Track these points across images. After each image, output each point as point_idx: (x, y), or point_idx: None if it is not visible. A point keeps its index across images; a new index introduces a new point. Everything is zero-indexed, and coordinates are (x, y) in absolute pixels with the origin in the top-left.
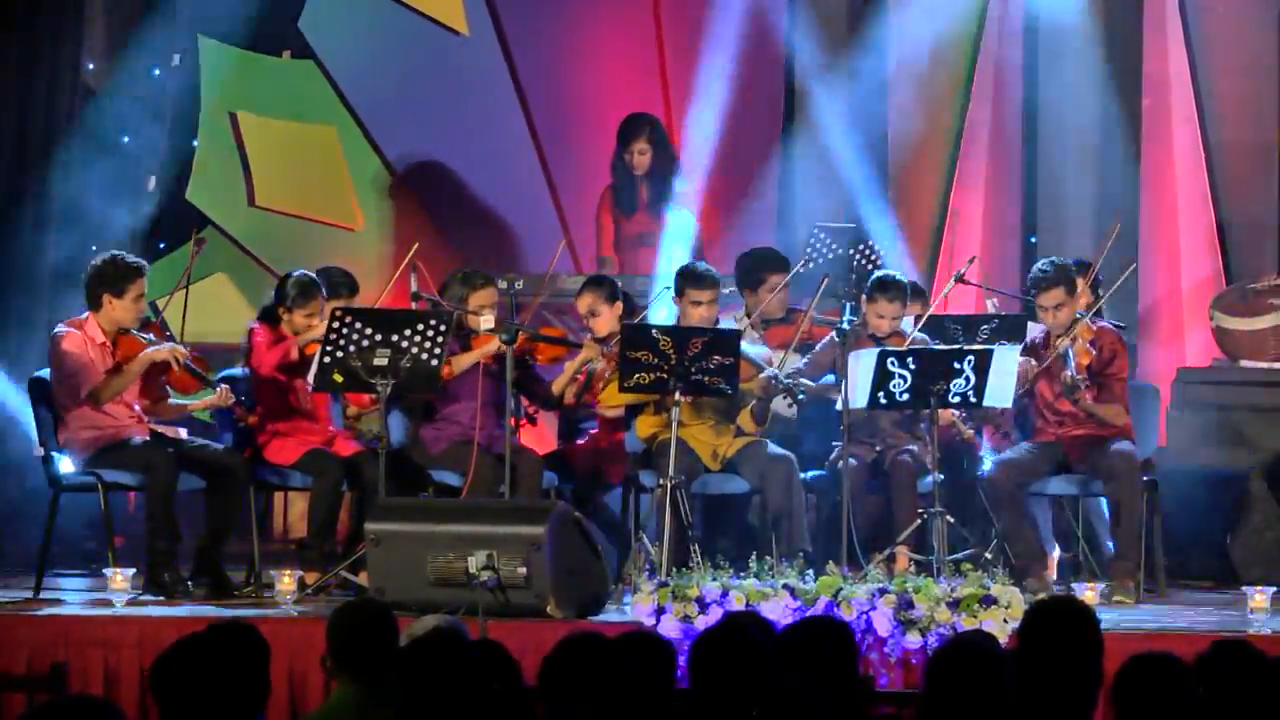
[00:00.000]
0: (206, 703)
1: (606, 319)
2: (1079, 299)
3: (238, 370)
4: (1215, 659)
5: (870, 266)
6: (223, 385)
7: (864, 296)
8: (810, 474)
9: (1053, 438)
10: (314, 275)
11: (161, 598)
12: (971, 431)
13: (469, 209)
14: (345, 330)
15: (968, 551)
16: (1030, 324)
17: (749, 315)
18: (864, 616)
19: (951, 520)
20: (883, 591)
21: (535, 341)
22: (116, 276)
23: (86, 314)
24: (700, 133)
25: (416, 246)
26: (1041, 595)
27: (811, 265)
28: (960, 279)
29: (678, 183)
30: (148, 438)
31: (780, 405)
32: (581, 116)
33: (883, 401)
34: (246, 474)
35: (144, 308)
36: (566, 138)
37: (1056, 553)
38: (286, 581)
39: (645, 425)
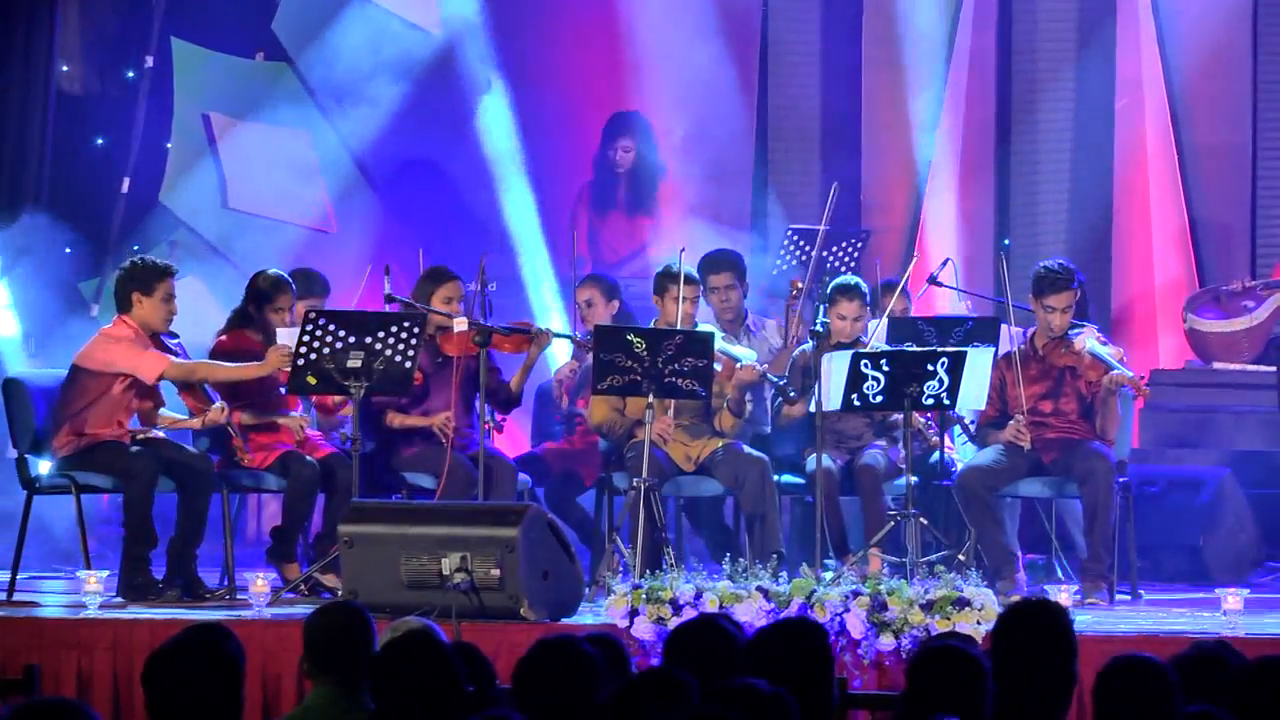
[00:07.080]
0: (197, 702)
1: (601, 313)
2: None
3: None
4: (1194, 661)
5: (844, 269)
6: (220, 402)
7: (825, 305)
8: (784, 477)
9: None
10: (283, 272)
11: (135, 600)
12: (937, 439)
13: (444, 210)
14: (319, 332)
15: (941, 553)
16: (1005, 327)
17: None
18: (837, 619)
19: (925, 522)
20: (856, 594)
21: (500, 334)
22: (146, 275)
23: (117, 318)
24: (675, 132)
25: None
26: (1014, 597)
27: (785, 267)
28: (934, 281)
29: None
30: (125, 441)
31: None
32: (557, 115)
33: (856, 403)
34: (218, 477)
35: (174, 310)
36: (543, 137)
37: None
38: (259, 584)
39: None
